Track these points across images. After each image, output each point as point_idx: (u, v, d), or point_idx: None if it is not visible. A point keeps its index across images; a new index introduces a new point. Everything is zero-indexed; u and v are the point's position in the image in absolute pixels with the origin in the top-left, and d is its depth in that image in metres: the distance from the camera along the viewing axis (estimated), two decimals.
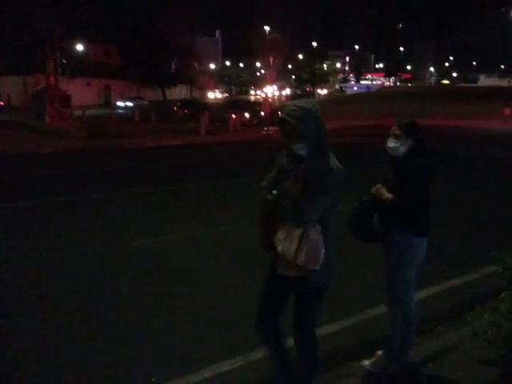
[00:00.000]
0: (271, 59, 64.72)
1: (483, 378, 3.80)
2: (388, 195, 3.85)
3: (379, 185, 3.93)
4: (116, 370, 4.28)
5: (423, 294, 5.77)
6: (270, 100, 35.19)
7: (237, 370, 4.22)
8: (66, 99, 33.21)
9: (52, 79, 33.26)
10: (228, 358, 4.36)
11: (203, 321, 5.13)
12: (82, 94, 56.58)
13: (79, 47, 61.26)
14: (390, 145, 3.95)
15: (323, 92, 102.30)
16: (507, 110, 45.01)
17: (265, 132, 30.28)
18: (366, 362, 4.13)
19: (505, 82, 70.17)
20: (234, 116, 31.54)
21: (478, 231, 8.58)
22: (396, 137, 3.91)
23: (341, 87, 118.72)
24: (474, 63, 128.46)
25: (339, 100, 78.93)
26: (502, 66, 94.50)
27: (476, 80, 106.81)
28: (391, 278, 4.02)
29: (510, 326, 3.61)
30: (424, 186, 3.88)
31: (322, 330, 4.83)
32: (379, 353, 4.17)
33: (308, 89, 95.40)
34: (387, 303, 4.16)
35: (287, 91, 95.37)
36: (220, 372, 4.20)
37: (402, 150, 3.90)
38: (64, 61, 42.33)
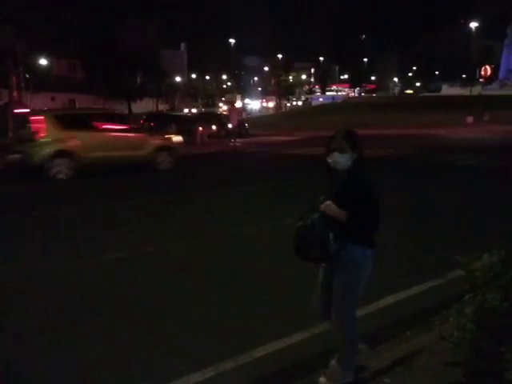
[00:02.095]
0: (236, 71, 64.85)
1: (449, 379, 3.87)
2: (341, 212, 3.73)
3: (329, 202, 3.77)
4: None
5: (390, 300, 5.85)
6: (237, 112, 35.28)
7: (208, 381, 4.23)
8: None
9: (15, 94, 32.85)
10: (199, 369, 4.36)
11: (172, 332, 5.11)
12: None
13: (42, 61, 60.66)
14: (336, 159, 3.77)
15: (293, 103, 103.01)
16: (470, 118, 45.93)
17: (232, 144, 30.40)
18: (323, 380, 4.07)
19: (467, 91, 71.52)
20: (200, 128, 31.55)
21: (442, 236, 8.72)
22: (342, 150, 3.76)
23: (307, 98, 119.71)
24: (437, 73, 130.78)
25: (305, 111, 79.51)
26: (464, 76, 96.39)
27: (439, 89, 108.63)
28: (344, 291, 3.89)
29: (474, 328, 3.69)
30: (376, 199, 3.81)
31: (293, 338, 4.88)
32: (332, 364, 4.11)
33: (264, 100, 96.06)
34: (334, 317, 3.96)
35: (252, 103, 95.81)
36: (191, 383, 4.20)
37: (349, 163, 3.78)
38: (27, 75, 41.79)
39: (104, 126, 17.18)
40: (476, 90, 68.13)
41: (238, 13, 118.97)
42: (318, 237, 3.70)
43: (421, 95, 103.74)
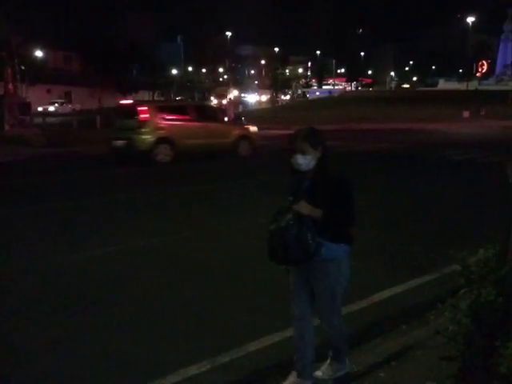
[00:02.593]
0: (233, 65, 64.74)
1: (444, 373, 3.89)
2: (316, 210, 3.65)
3: (303, 201, 3.66)
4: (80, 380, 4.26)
5: (386, 294, 5.87)
6: (233, 105, 35.18)
7: (204, 375, 4.24)
8: (25, 106, 32.70)
9: (11, 86, 32.74)
10: (195, 363, 4.37)
11: (166, 328, 5.13)
12: (42, 101, 55.68)
13: (38, 54, 60.39)
14: (298, 162, 3.70)
15: (285, 98, 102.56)
16: (466, 113, 45.97)
17: None
18: (319, 373, 4.12)
19: (463, 86, 71.54)
20: None
21: (437, 231, 8.75)
22: (303, 152, 3.67)
23: (303, 92, 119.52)
24: (434, 67, 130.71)
25: (302, 105, 79.45)
26: (460, 70, 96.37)
27: (435, 84, 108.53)
28: (333, 292, 3.85)
29: (469, 323, 3.70)
30: (349, 192, 3.77)
31: (287, 332, 4.88)
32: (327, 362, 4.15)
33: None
34: (325, 318, 3.96)
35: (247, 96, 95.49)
36: (187, 376, 4.21)
37: (313, 163, 3.70)
38: (23, 68, 41.64)
39: (197, 117, 18.97)
40: (472, 85, 68.14)
41: (234, 6, 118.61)
42: (296, 238, 3.61)
43: (417, 89, 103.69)
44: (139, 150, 17.49)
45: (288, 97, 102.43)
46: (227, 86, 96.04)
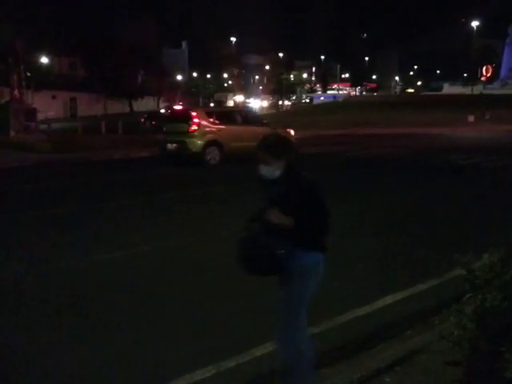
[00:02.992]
0: (237, 70, 64.71)
1: (450, 378, 3.88)
2: (287, 218, 3.51)
3: (273, 209, 3.53)
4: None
5: (390, 299, 5.85)
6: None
7: (209, 380, 4.24)
8: (31, 112, 32.82)
9: (16, 92, 32.89)
10: (200, 368, 4.37)
11: (171, 332, 5.13)
12: (47, 107, 55.90)
13: (43, 60, 60.64)
14: (262, 171, 3.62)
15: (288, 103, 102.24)
16: (471, 117, 45.89)
17: None
18: None
19: (468, 90, 71.53)
20: None
21: (441, 236, 8.72)
22: (266, 163, 3.59)
23: (311, 98, 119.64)
24: (438, 71, 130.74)
25: (306, 110, 79.54)
26: (465, 75, 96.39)
27: (440, 88, 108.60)
28: (297, 304, 3.69)
29: (474, 327, 3.69)
30: (321, 199, 3.65)
31: None
32: None
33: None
34: (285, 330, 3.74)
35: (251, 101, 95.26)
36: (192, 381, 4.21)
37: (278, 172, 3.58)
38: (28, 74, 41.82)
39: (242, 121, 20.46)
40: (477, 89, 68.10)
41: (238, 11, 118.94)
42: (265, 247, 3.50)
43: (422, 94, 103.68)
44: (191, 153, 18.81)
45: (287, 102, 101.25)
46: (226, 91, 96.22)
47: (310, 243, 3.63)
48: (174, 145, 19.40)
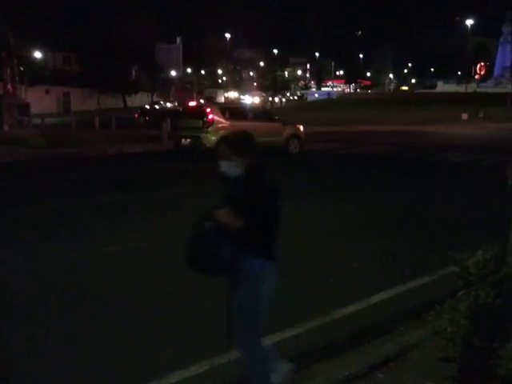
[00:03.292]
0: (232, 66, 64.42)
1: (443, 375, 3.90)
2: (236, 220, 3.42)
3: (224, 209, 3.47)
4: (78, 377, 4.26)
5: (384, 295, 5.88)
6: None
7: (202, 375, 4.25)
8: (24, 107, 32.67)
9: (10, 87, 32.72)
10: (194, 364, 4.37)
11: (167, 327, 5.13)
12: (40, 101, 55.66)
13: (37, 54, 60.35)
14: (223, 168, 3.56)
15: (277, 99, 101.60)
16: (465, 116, 45.98)
17: None
18: None
19: (462, 88, 71.62)
20: None
21: (435, 233, 8.76)
22: (227, 158, 3.53)
23: (302, 94, 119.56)
24: (432, 69, 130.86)
25: (301, 107, 79.49)
26: (459, 73, 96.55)
27: (434, 86, 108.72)
28: (245, 308, 3.61)
29: (468, 324, 3.71)
30: (276, 206, 3.57)
31: (286, 333, 4.90)
32: None
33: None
34: (239, 334, 3.67)
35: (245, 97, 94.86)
36: (186, 377, 4.21)
37: (239, 170, 3.52)
38: (22, 68, 41.61)
39: (254, 117, 20.83)
40: (471, 88, 68.20)
41: (233, 7, 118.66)
42: (211, 247, 3.43)
43: (416, 92, 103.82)
44: (205, 148, 18.85)
45: (277, 99, 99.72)
46: (220, 87, 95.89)
47: (257, 249, 3.53)
48: (189, 140, 19.88)
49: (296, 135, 21.83)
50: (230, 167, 3.53)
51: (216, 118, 19.62)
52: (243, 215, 3.41)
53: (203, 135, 19.30)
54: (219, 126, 19.44)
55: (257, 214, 3.45)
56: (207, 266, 3.49)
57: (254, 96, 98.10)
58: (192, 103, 27.00)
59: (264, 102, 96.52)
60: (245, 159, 3.51)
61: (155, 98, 74.05)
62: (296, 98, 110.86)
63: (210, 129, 19.39)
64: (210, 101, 57.20)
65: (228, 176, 3.56)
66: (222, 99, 71.10)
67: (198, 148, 19.33)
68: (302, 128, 22.43)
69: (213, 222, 3.45)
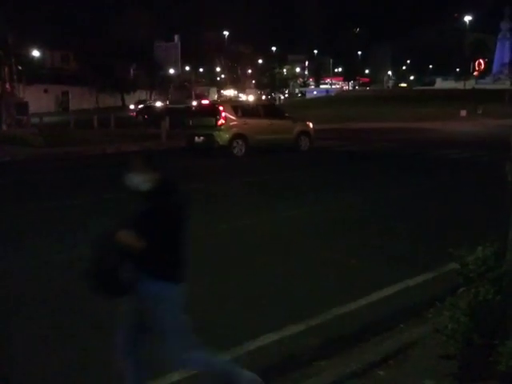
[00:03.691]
0: (230, 64, 64.10)
1: (443, 372, 3.89)
2: (138, 240, 3.27)
3: (125, 232, 3.30)
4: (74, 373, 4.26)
5: (384, 292, 5.88)
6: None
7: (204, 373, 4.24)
8: (23, 106, 32.63)
9: (8, 86, 32.67)
10: None
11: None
12: (39, 100, 55.61)
13: (35, 53, 60.24)
14: (132, 181, 3.45)
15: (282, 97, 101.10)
16: (463, 112, 45.99)
17: None
18: None
19: (460, 85, 71.57)
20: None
21: (435, 230, 8.76)
22: (139, 171, 3.43)
23: (301, 91, 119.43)
24: (431, 66, 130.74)
25: (300, 104, 79.46)
26: (458, 69, 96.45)
27: (432, 83, 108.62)
28: (170, 330, 3.50)
29: (468, 321, 3.71)
30: (175, 224, 3.46)
31: (287, 331, 4.90)
32: None
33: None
34: (174, 356, 3.57)
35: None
36: (187, 376, 4.20)
37: (147, 185, 3.42)
38: (20, 67, 41.54)
39: (265, 115, 20.98)
40: (470, 84, 68.14)
41: (231, 5, 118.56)
42: (111, 270, 3.29)
43: (415, 89, 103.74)
44: (218, 145, 19.64)
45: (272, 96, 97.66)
46: (219, 85, 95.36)
47: (161, 271, 3.42)
48: (202, 138, 20.25)
49: (306, 132, 22.12)
50: (139, 181, 3.43)
51: (228, 115, 19.89)
52: (145, 235, 3.28)
53: (216, 133, 19.68)
54: (232, 123, 19.90)
55: (159, 233, 3.34)
56: (104, 287, 3.35)
57: (248, 94, 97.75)
58: (204, 101, 27.41)
59: (259, 99, 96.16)
60: (155, 173, 3.43)
61: (154, 96, 73.67)
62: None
63: (222, 127, 19.75)
64: (201, 99, 55.38)
65: (136, 190, 3.45)
66: (214, 97, 69.42)
67: (211, 146, 19.81)
68: (311, 125, 22.61)
69: (114, 242, 3.29)
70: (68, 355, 4.59)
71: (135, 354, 3.64)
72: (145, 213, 3.39)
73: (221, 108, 20.26)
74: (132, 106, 49.34)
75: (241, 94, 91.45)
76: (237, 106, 21.42)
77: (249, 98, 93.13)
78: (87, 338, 4.90)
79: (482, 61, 70.47)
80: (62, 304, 5.70)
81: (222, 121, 19.78)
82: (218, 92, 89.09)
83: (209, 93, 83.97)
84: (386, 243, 7.84)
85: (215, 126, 19.81)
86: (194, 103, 44.81)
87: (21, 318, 5.37)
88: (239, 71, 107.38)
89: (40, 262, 7.12)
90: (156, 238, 3.32)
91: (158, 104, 48.81)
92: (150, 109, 43.88)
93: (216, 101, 28.92)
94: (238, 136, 19.95)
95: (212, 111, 20.48)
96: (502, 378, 3.47)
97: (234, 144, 19.87)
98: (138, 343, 3.64)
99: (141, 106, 47.73)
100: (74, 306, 5.63)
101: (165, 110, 38.27)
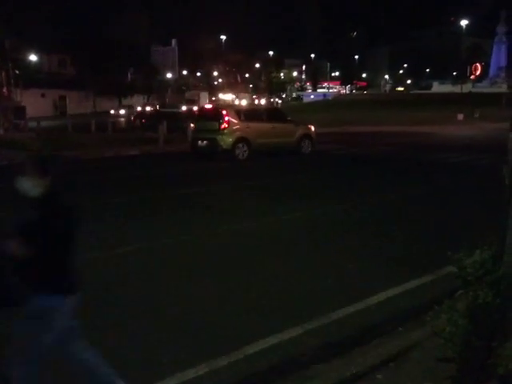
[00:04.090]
0: (227, 68, 64.00)
1: (442, 375, 3.90)
2: (24, 249, 3.10)
3: (15, 242, 3.12)
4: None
5: (383, 296, 5.88)
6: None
7: (201, 378, 4.24)
8: (20, 110, 32.66)
9: (5, 90, 32.71)
10: (192, 366, 4.36)
11: (168, 328, 5.12)
12: (36, 105, 55.60)
13: (32, 58, 60.26)
14: (22, 185, 3.27)
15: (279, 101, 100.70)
16: (460, 116, 46.09)
17: None
18: None
19: (457, 89, 71.80)
20: (192, 125, 31.45)
21: (433, 233, 8.77)
22: (29, 175, 3.25)
23: (298, 95, 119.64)
24: (428, 70, 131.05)
25: (297, 108, 79.54)
26: (454, 73, 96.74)
27: (429, 87, 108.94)
28: (28, 345, 3.26)
29: (466, 324, 3.72)
30: (62, 233, 3.27)
31: (285, 334, 4.90)
32: None
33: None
34: (15, 369, 3.32)
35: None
36: (185, 379, 4.20)
37: (39, 190, 3.25)
38: (17, 71, 41.57)
39: (267, 119, 21.18)
40: (466, 88, 68.35)
41: (228, 9, 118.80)
42: (5, 280, 3.14)
43: (412, 92, 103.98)
44: (222, 149, 19.82)
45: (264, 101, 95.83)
46: (216, 89, 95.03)
47: (47, 282, 3.24)
48: (205, 142, 20.35)
49: (308, 135, 22.22)
50: (29, 185, 3.26)
51: (231, 119, 20.01)
52: (31, 243, 3.11)
53: (219, 137, 19.79)
54: (235, 127, 20.03)
55: (45, 242, 3.17)
56: (3, 300, 3.19)
57: (241, 98, 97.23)
58: (207, 106, 27.60)
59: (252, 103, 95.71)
60: (46, 179, 3.27)
61: (123, 102, 71.80)
62: (290, 99, 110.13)
63: (225, 130, 19.86)
64: (191, 105, 53.09)
65: (26, 195, 3.27)
66: (205, 102, 66.83)
67: (214, 150, 19.94)
68: (313, 128, 22.72)
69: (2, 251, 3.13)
70: None
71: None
72: (32, 220, 3.21)
73: (224, 112, 20.38)
74: (112, 111, 48.28)
75: (232, 98, 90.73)
76: (240, 111, 21.48)
77: (241, 102, 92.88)
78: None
79: (478, 64, 70.68)
80: None
81: (225, 125, 19.89)
82: (210, 96, 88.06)
83: (199, 97, 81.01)
84: (384, 246, 7.85)
85: (218, 130, 19.94)
86: (184, 108, 44.66)
87: None
88: (237, 75, 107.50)
89: None
90: (43, 247, 3.15)
91: (148, 108, 48.14)
92: (147, 113, 43.79)
93: (219, 105, 29.14)
94: (241, 140, 20.08)
95: (215, 115, 20.57)
96: (501, 381, 3.47)
97: (237, 148, 19.98)
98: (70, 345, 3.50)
99: (122, 112, 46.58)
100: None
101: (154, 115, 38.30)
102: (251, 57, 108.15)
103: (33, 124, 34.48)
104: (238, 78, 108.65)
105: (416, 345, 4.53)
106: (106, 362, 3.63)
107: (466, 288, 4.01)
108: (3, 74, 32.98)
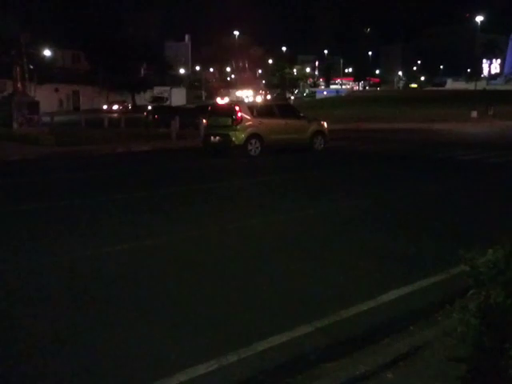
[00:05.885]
0: (241, 64, 64.09)
1: (453, 375, 3.86)
2: None
3: None
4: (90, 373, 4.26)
5: (394, 294, 5.84)
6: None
7: (211, 374, 4.23)
8: (34, 105, 32.82)
9: (19, 85, 32.87)
10: (203, 362, 4.36)
11: (175, 325, 5.12)
12: (50, 99, 55.89)
13: (46, 52, 60.58)
14: None
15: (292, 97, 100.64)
16: (474, 113, 45.80)
17: None
18: None
19: (471, 86, 71.31)
20: (204, 121, 31.49)
21: (445, 231, 8.71)
22: None
23: (311, 91, 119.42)
24: (442, 67, 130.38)
25: (310, 104, 79.38)
26: (469, 70, 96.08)
27: (443, 83, 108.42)
28: None
29: (478, 324, 3.68)
30: None
31: (295, 332, 4.89)
32: None
33: None
34: None
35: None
36: (195, 376, 4.20)
37: None
38: (31, 66, 41.78)
39: (280, 115, 21.19)
40: (481, 85, 67.88)
41: (242, 5, 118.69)
42: None
43: (425, 89, 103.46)
44: (234, 145, 19.94)
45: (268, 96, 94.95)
46: (229, 85, 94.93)
47: None
48: (218, 138, 20.56)
49: (320, 132, 22.27)
50: None
51: (244, 115, 20.11)
52: None
53: (232, 133, 19.92)
54: (247, 123, 20.12)
55: None
56: None
57: (253, 95, 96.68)
58: (221, 101, 27.67)
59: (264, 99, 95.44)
60: None
61: (137, 97, 70.86)
62: (305, 94, 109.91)
63: (238, 126, 19.97)
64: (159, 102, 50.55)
65: None
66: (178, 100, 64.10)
67: (226, 145, 20.10)
68: (326, 125, 22.74)
69: None
70: (69, 355, 4.60)
71: None
72: None
73: (237, 108, 20.46)
74: (105, 106, 47.64)
75: (239, 93, 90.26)
76: (252, 107, 21.53)
77: (256, 98, 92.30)
78: (91, 337, 4.91)
79: (493, 61, 69.95)
80: (66, 303, 5.71)
81: (237, 120, 20.01)
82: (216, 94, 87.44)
83: (170, 94, 75.80)
84: (397, 244, 7.80)
85: (231, 126, 20.05)
86: (149, 107, 44.54)
87: (27, 317, 5.39)
88: (251, 71, 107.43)
89: (62, 259, 7.14)
90: None
91: (149, 107, 47.01)
92: (160, 108, 43.84)
93: (233, 101, 29.28)
94: (253, 136, 20.17)
95: (228, 111, 20.69)
96: None
97: (250, 144, 20.08)
98: None
99: (116, 107, 46.10)
100: (79, 304, 5.64)
101: (167, 110, 38.37)
102: (265, 53, 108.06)
103: (46, 119, 34.66)
104: (255, 74, 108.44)
105: (427, 344, 4.49)
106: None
107: (478, 288, 3.96)
108: (18, 68, 33.10)
